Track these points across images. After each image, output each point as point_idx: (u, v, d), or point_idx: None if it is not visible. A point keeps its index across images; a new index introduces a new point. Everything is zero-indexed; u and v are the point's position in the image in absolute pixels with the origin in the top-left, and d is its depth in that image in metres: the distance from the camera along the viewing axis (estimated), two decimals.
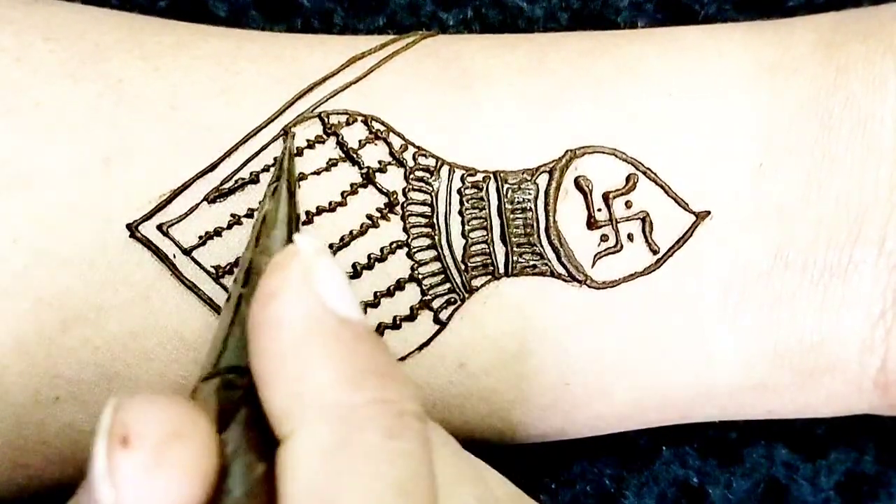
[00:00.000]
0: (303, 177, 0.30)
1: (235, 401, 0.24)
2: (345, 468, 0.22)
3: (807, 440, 0.36)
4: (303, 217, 0.29)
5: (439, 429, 0.26)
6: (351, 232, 0.30)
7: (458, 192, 0.30)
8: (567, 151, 0.30)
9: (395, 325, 0.30)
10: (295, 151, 0.30)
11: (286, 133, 0.30)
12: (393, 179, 0.30)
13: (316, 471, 0.22)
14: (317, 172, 0.30)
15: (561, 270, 0.30)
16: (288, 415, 0.22)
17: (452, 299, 0.30)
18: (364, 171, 0.30)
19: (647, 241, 0.30)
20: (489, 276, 0.30)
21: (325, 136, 0.30)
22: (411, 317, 0.30)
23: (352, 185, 0.30)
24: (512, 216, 0.30)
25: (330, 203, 0.30)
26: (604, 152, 0.30)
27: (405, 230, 0.30)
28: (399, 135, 0.30)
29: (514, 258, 0.30)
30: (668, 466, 0.36)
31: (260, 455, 0.23)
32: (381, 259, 0.30)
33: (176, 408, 0.22)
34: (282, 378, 0.23)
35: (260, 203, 0.29)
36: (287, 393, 0.23)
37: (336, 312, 0.23)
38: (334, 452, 0.22)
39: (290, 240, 0.27)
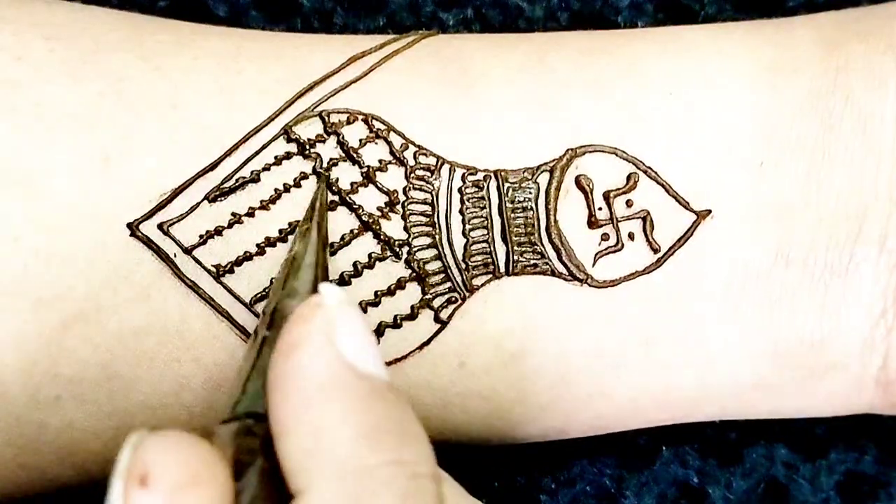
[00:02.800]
0: (303, 175, 0.30)
1: (252, 449, 0.24)
2: None
3: (807, 440, 0.36)
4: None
5: (455, 486, 0.26)
6: (352, 231, 0.30)
7: (459, 191, 0.30)
8: (568, 150, 0.30)
9: (396, 324, 0.30)
10: (328, 197, 0.30)
11: (319, 174, 0.30)
12: (393, 178, 0.30)
13: None
14: (315, 173, 0.30)
15: (562, 269, 0.30)
16: (302, 469, 0.23)
17: (453, 298, 0.30)
18: (364, 169, 0.30)
19: (647, 240, 0.30)
20: (490, 275, 0.30)
21: (325, 135, 0.30)
22: (412, 316, 0.30)
23: (352, 183, 0.30)
24: (513, 215, 0.30)
25: (331, 203, 0.30)
26: (604, 151, 0.30)
27: (406, 229, 0.30)
28: (399, 134, 0.30)
29: (515, 257, 0.30)
30: (668, 466, 0.36)
31: None
32: (382, 258, 0.30)
33: (196, 451, 0.22)
34: (298, 432, 0.23)
35: (290, 244, 0.29)
36: (303, 447, 0.23)
37: (356, 367, 0.23)
38: None
39: (316, 286, 0.27)
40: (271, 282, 0.29)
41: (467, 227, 0.30)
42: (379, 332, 0.30)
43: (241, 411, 0.25)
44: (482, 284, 0.30)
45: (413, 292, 0.30)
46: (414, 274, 0.30)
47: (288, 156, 0.30)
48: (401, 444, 0.23)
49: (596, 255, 0.30)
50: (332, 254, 0.30)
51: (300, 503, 0.22)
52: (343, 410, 0.23)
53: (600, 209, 0.30)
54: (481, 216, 0.30)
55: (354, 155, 0.30)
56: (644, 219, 0.30)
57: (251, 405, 0.25)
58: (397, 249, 0.30)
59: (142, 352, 0.29)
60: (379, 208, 0.30)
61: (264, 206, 0.29)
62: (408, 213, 0.30)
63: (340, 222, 0.30)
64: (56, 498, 0.31)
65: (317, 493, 0.22)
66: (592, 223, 0.30)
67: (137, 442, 0.22)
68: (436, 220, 0.30)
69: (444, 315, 0.30)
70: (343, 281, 0.30)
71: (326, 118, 0.30)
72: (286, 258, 0.28)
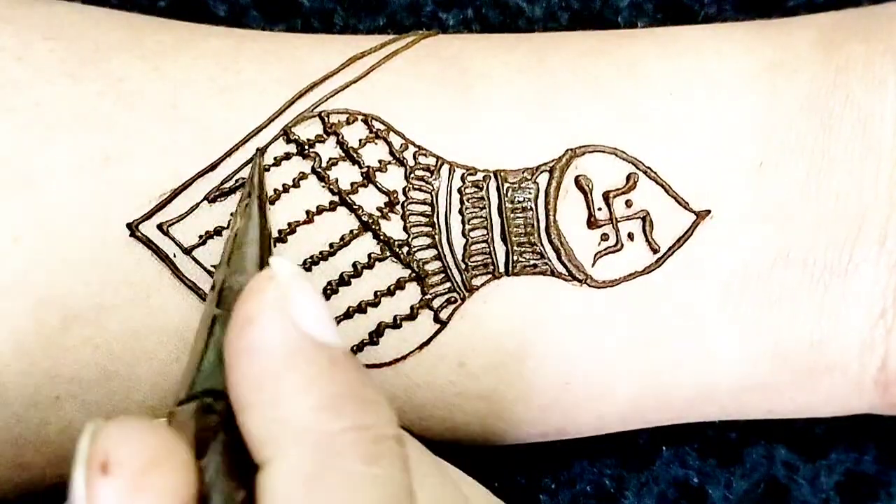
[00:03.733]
0: (303, 176, 0.30)
1: (213, 426, 0.24)
2: (323, 495, 0.22)
3: (807, 440, 0.36)
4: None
5: (419, 447, 0.26)
6: (351, 231, 0.30)
7: (459, 191, 0.30)
8: (567, 150, 0.30)
9: (396, 324, 0.30)
10: (265, 167, 0.29)
11: (257, 151, 0.29)
12: (393, 178, 0.30)
13: (295, 498, 0.22)
14: (315, 172, 0.30)
15: (561, 270, 0.30)
16: (266, 441, 0.23)
17: (453, 298, 0.30)
18: (364, 170, 0.30)
19: (647, 240, 0.30)
20: (489, 276, 0.30)
21: (325, 136, 0.30)
22: (412, 316, 0.30)
23: (352, 184, 0.30)
24: (512, 215, 0.30)
25: (330, 203, 0.30)
26: (604, 151, 0.30)
27: (405, 229, 0.30)
28: (399, 134, 0.30)
29: (515, 257, 0.30)
30: (668, 466, 0.36)
31: (239, 482, 0.23)
32: (382, 258, 0.30)
33: (154, 434, 0.22)
34: (260, 404, 0.23)
35: (230, 221, 0.29)
36: (265, 419, 0.23)
37: (313, 337, 0.23)
38: (313, 479, 0.22)
39: (263, 259, 0.27)
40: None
41: (467, 227, 0.30)
42: (379, 332, 0.30)
43: (198, 390, 0.25)
44: (482, 285, 0.30)
45: (413, 292, 0.30)
46: (413, 274, 0.30)
47: (287, 156, 0.30)
48: (363, 410, 0.23)
49: (595, 255, 0.30)
50: (332, 254, 0.30)
51: (266, 473, 0.22)
52: (304, 380, 0.23)
53: (600, 209, 0.30)
54: (481, 216, 0.30)
55: (354, 155, 0.30)
56: (644, 219, 0.30)
57: (207, 382, 0.25)
58: (397, 250, 0.30)
59: (141, 352, 0.29)
60: (379, 208, 0.30)
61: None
62: (407, 213, 0.30)
63: (340, 222, 0.30)
64: (56, 498, 0.31)
65: (284, 462, 0.22)
66: (592, 223, 0.30)
67: (95, 430, 0.22)
68: (435, 220, 0.30)
69: (443, 315, 0.30)
70: (343, 281, 0.30)
71: (326, 118, 0.30)
72: (228, 235, 0.28)
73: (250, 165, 0.29)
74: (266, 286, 0.24)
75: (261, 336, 0.23)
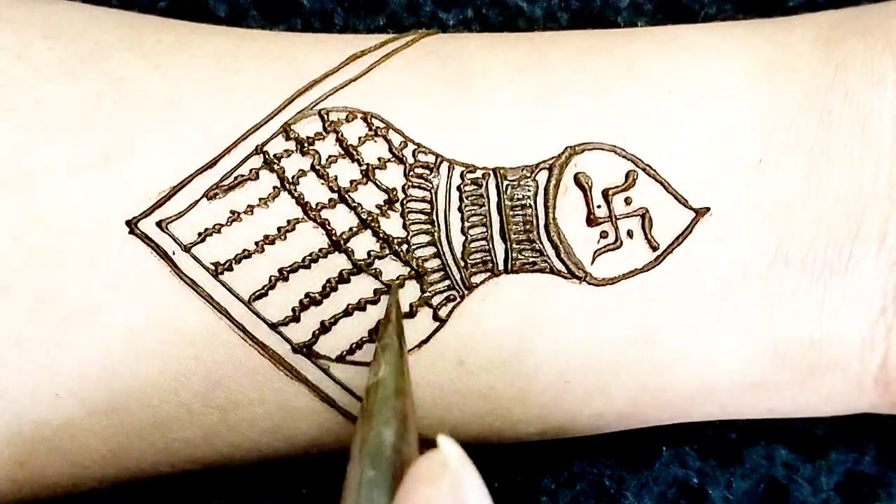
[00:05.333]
0: (302, 173, 0.30)
1: None
2: None
3: (807, 440, 0.36)
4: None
5: None
6: (351, 228, 0.30)
7: (458, 188, 0.30)
8: (566, 148, 0.30)
9: None
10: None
11: (394, 284, 0.29)
12: (393, 176, 0.30)
13: None
14: (314, 170, 0.30)
15: (560, 267, 0.30)
16: None
17: (452, 296, 0.30)
18: (364, 167, 0.30)
19: (646, 237, 0.30)
20: (488, 273, 0.30)
21: (324, 133, 0.30)
22: (410, 314, 0.30)
23: (351, 181, 0.30)
24: (511, 213, 0.30)
25: (329, 200, 0.30)
26: (603, 149, 0.30)
27: (405, 227, 0.30)
28: (399, 132, 0.30)
29: (514, 255, 0.30)
30: (668, 466, 0.36)
31: None
32: (381, 256, 0.30)
33: None
34: None
35: (372, 366, 0.28)
36: None
37: None
38: None
39: (404, 415, 0.26)
40: (362, 409, 0.27)
41: (466, 224, 0.30)
42: (378, 330, 0.30)
43: None
44: (481, 282, 0.30)
45: (412, 290, 0.30)
46: (413, 272, 0.30)
47: (287, 153, 0.30)
48: None
49: (595, 252, 0.30)
50: (331, 251, 0.30)
51: None
52: None
53: (599, 207, 0.30)
54: (480, 214, 0.30)
55: (353, 153, 0.30)
56: (643, 216, 0.30)
57: None
58: (396, 247, 0.30)
59: (140, 349, 0.29)
60: (378, 206, 0.30)
61: (263, 203, 0.29)
62: (407, 210, 0.30)
63: (339, 220, 0.30)
64: (56, 498, 0.31)
65: None
66: (591, 221, 0.30)
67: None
68: (435, 217, 0.30)
69: (442, 313, 0.30)
70: (342, 278, 0.30)
71: (325, 116, 0.30)
72: (370, 381, 0.27)
73: (387, 303, 0.29)
74: (441, 473, 0.24)
75: None
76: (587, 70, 0.31)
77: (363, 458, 0.25)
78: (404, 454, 0.25)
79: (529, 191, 0.30)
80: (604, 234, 0.30)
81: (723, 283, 0.30)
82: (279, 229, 0.29)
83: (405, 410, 0.26)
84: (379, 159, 0.30)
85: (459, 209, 0.30)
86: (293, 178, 0.30)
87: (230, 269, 0.29)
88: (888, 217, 0.30)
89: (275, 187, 0.30)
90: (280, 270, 0.29)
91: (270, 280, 0.29)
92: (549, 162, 0.30)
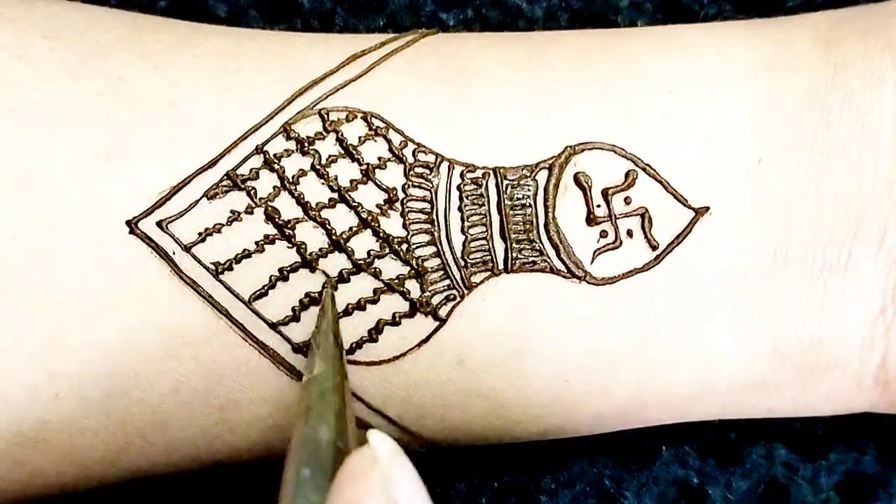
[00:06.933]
0: (302, 173, 0.30)
1: None
2: None
3: (807, 440, 0.36)
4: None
5: None
6: (351, 228, 0.30)
7: (458, 188, 0.30)
8: (566, 148, 0.30)
9: (395, 321, 0.30)
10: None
11: (326, 281, 0.29)
12: (393, 176, 0.30)
13: None
14: (314, 169, 0.30)
15: (560, 267, 0.30)
16: None
17: (452, 296, 0.30)
18: (364, 167, 0.30)
19: (646, 237, 0.30)
20: (488, 273, 0.30)
21: (324, 133, 0.30)
22: (410, 313, 0.30)
23: (352, 181, 0.30)
24: (511, 212, 0.30)
25: (329, 200, 0.30)
26: (603, 148, 0.30)
27: (405, 226, 0.30)
28: (399, 131, 0.30)
29: (514, 254, 0.30)
30: (668, 466, 0.36)
31: None
32: (381, 255, 0.30)
33: None
34: None
35: (307, 364, 0.27)
36: None
37: None
38: None
39: (343, 408, 0.26)
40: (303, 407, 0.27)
41: (466, 224, 0.30)
42: (378, 329, 0.30)
43: None
44: (481, 282, 0.30)
45: (412, 290, 0.30)
46: (413, 271, 0.30)
47: (287, 153, 0.30)
48: None
49: (594, 252, 0.30)
50: (331, 251, 0.30)
51: None
52: None
53: (599, 206, 0.30)
54: (480, 213, 0.30)
55: (354, 152, 0.30)
56: (642, 216, 0.30)
57: None
58: (396, 247, 0.30)
59: (140, 349, 0.29)
60: (378, 206, 0.30)
61: (263, 203, 0.29)
62: (407, 210, 0.30)
63: (339, 219, 0.30)
64: (56, 498, 0.31)
65: None
66: (591, 220, 0.30)
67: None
68: (435, 217, 0.30)
69: (442, 313, 0.30)
70: (342, 278, 0.30)
71: (326, 116, 0.30)
72: (305, 378, 0.27)
73: (322, 300, 0.29)
74: (370, 470, 0.24)
75: None
76: (587, 69, 0.31)
77: (299, 457, 0.25)
78: (342, 451, 0.25)
79: (529, 190, 0.30)
80: (603, 234, 0.30)
81: (723, 282, 0.30)
82: (278, 228, 0.29)
83: (342, 406, 0.26)
84: (379, 159, 0.30)
85: (459, 209, 0.30)
86: (293, 177, 0.30)
87: (230, 268, 0.29)
88: (887, 217, 0.30)
89: (275, 187, 0.30)
90: (280, 270, 0.29)
91: (270, 280, 0.29)
92: (548, 161, 0.30)
